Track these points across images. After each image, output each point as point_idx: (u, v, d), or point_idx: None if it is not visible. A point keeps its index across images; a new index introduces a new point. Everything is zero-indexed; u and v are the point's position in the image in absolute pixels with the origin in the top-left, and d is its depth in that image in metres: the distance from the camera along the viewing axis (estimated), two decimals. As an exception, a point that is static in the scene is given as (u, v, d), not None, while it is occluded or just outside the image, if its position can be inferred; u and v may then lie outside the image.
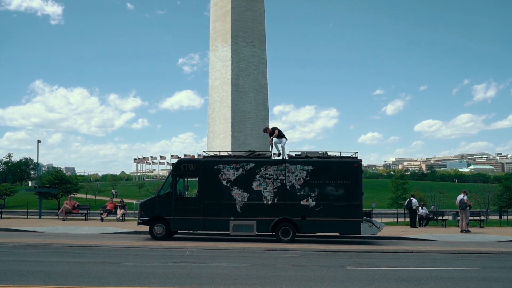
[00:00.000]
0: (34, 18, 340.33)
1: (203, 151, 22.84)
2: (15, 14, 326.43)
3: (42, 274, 12.35)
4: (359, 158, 21.97)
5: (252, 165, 21.54)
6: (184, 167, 22.09)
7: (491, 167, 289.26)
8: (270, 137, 22.46)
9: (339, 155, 22.15)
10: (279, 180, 21.41)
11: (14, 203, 74.01)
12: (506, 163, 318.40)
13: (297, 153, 22.27)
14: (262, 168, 21.46)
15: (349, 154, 22.17)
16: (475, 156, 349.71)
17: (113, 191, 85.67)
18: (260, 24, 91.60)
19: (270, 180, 21.42)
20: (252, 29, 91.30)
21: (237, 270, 13.66)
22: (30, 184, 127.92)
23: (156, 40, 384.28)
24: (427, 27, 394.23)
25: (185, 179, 22.95)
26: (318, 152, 22.20)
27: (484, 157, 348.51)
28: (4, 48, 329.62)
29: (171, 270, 13.35)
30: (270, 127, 23.56)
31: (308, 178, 21.37)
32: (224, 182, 21.46)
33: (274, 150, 22.26)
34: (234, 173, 21.48)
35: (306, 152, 22.17)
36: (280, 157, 21.95)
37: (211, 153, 23.24)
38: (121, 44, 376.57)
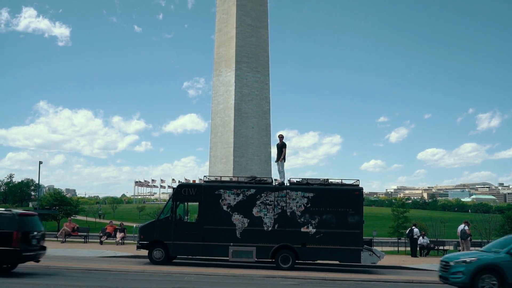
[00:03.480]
0: (42, 39, 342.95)
1: (204, 176, 22.82)
2: (22, 35, 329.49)
3: (39, 297, 12.24)
4: (360, 186, 21.94)
5: (253, 190, 21.52)
6: (185, 191, 22.04)
7: (493, 197, 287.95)
8: (279, 146, 22.91)
9: (340, 182, 22.11)
10: (279, 207, 21.36)
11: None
12: (508, 193, 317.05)
13: (298, 180, 22.25)
14: (263, 194, 21.43)
15: (350, 182, 22.13)
16: (477, 186, 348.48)
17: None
18: (264, 50, 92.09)
19: (271, 206, 21.36)
20: (256, 55, 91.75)
21: (235, 297, 13.52)
22: (30, 205, 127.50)
23: (162, 63, 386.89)
24: (432, 54, 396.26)
25: (186, 204, 22.85)
26: (319, 179, 22.19)
27: (486, 187, 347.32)
28: (11, 68, 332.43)
29: (168, 296, 13.22)
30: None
31: (309, 205, 21.31)
32: (225, 208, 21.41)
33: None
34: (234, 199, 21.44)
35: (307, 179, 22.14)
36: (281, 180, 22.04)
37: (212, 178, 23.20)
38: (127, 66, 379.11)
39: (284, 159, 23.07)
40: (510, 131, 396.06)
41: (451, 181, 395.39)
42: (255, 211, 21.36)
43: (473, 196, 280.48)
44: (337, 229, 21.19)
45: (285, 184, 22.00)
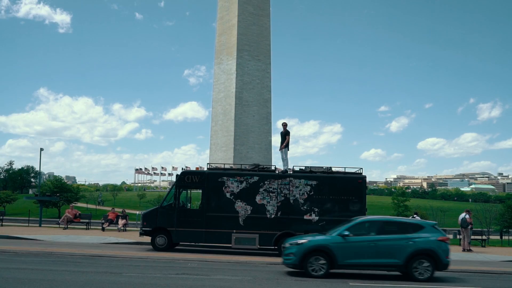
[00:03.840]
0: (42, 26, 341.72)
1: (208, 163, 22.80)
2: (23, 22, 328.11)
3: (44, 282, 12.28)
4: (363, 174, 21.95)
5: (256, 178, 21.53)
6: (188, 178, 22.03)
7: (492, 187, 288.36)
8: (283, 133, 22.90)
9: (344, 170, 22.11)
10: (282, 194, 21.39)
11: (15, 210, 73.91)
12: (507, 183, 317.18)
13: (301, 168, 22.25)
14: (266, 182, 21.45)
15: (354, 170, 22.16)
16: (476, 176, 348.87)
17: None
18: (265, 38, 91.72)
19: (274, 194, 21.39)
20: (257, 43, 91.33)
21: (240, 283, 13.56)
22: (30, 192, 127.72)
23: (163, 51, 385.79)
24: (433, 45, 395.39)
25: (189, 191, 22.84)
26: (323, 167, 22.20)
27: (486, 177, 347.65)
28: (11, 55, 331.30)
29: (173, 282, 13.26)
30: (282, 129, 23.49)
31: (312, 193, 21.35)
32: (228, 195, 21.44)
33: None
34: (238, 186, 21.46)
35: (311, 166, 22.15)
36: (284, 168, 22.04)
37: (215, 165, 23.20)
38: (128, 53, 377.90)
39: (287, 146, 23.04)
40: (510, 121, 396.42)
41: (451, 171, 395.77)
42: (258, 198, 21.39)
43: (472, 186, 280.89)
44: (340, 217, 21.09)
45: (288, 172, 21.99)
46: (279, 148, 23.26)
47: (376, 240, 15.45)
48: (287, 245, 16.04)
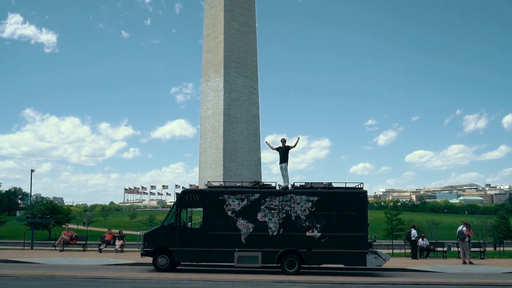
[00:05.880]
0: (28, 46, 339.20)
1: (208, 181, 22.68)
2: (8, 42, 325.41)
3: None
4: (364, 189, 21.95)
5: (257, 195, 21.44)
6: (189, 197, 21.88)
7: (481, 198, 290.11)
8: (282, 149, 22.57)
9: (344, 185, 22.10)
10: (284, 211, 21.30)
11: (4, 233, 72.91)
12: (495, 194, 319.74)
13: (302, 184, 22.22)
14: (267, 199, 21.37)
15: (354, 185, 22.17)
16: (464, 187, 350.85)
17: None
18: (252, 55, 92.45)
19: (275, 211, 21.30)
20: (244, 59, 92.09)
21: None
22: (18, 214, 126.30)
23: (150, 69, 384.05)
24: (419, 56, 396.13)
25: (190, 210, 22.65)
26: (323, 183, 22.18)
27: (474, 188, 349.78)
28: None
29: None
30: (277, 145, 23.28)
31: (314, 209, 21.29)
32: (229, 213, 21.31)
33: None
34: (239, 204, 21.35)
35: (311, 182, 22.12)
36: (285, 184, 21.95)
37: (216, 183, 23.10)
38: (114, 72, 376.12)
39: (286, 161, 22.72)
40: (497, 132, 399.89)
41: (439, 183, 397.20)
42: (259, 216, 21.28)
43: (461, 198, 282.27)
44: (342, 233, 21.19)
45: (289, 188, 21.93)
46: (279, 163, 22.96)
47: None
48: None
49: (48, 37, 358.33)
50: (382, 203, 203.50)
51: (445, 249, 33.10)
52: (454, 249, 34.88)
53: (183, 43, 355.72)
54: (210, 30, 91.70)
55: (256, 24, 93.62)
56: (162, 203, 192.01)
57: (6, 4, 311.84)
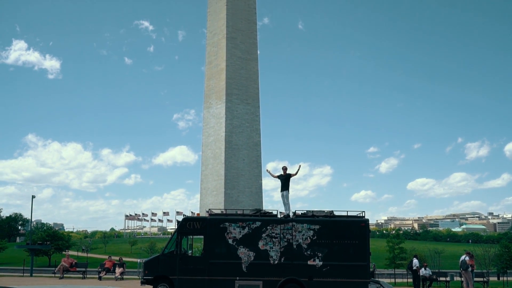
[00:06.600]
0: (31, 72, 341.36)
1: (209, 209, 22.59)
2: (12, 68, 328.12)
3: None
4: (365, 217, 21.83)
5: (258, 223, 21.34)
6: (189, 225, 21.79)
7: (483, 226, 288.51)
8: (283, 177, 22.37)
9: (346, 214, 21.99)
10: (285, 239, 21.16)
11: (4, 260, 72.47)
12: (498, 223, 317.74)
13: (303, 212, 22.12)
14: (268, 227, 21.26)
15: (355, 213, 22.05)
16: (467, 216, 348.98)
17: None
18: (254, 82, 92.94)
19: (277, 239, 21.17)
20: (246, 87, 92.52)
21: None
22: (18, 240, 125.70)
23: (152, 95, 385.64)
24: (421, 83, 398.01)
25: (191, 237, 22.54)
26: (324, 211, 22.08)
27: (476, 217, 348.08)
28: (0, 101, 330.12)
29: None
30: (278, 173, 23.21)
31: (315, 237, 21.15)
32: (230, 241, 21.18)
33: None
34: (240, 232, 21.23)
35: (313, 211, 22.02)
36: (287, 212, 21.83)
37: (217, 211, 23.01)
38: (117, 98, 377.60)
39: (288, 189, 22.65)
40: (499, 160, 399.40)
41: (441, 211, 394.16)
42: (261, 244, 21.14)
43: (464, 226, 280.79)
44: (343, 262, 21.01)
45: (291, 217, 21.83)
46: (280, 190, 22.88)
47: None
48: None
49: (51, 63, 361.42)
50: (384, 231, 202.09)
51: (448, 278, 32.76)
52: (457, 278, 34.57)
53: (186, 70, 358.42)
54: (213, 57, 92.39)
55: (258, 51, 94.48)
56: (163, 230, 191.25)
57: (11, 30, 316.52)
